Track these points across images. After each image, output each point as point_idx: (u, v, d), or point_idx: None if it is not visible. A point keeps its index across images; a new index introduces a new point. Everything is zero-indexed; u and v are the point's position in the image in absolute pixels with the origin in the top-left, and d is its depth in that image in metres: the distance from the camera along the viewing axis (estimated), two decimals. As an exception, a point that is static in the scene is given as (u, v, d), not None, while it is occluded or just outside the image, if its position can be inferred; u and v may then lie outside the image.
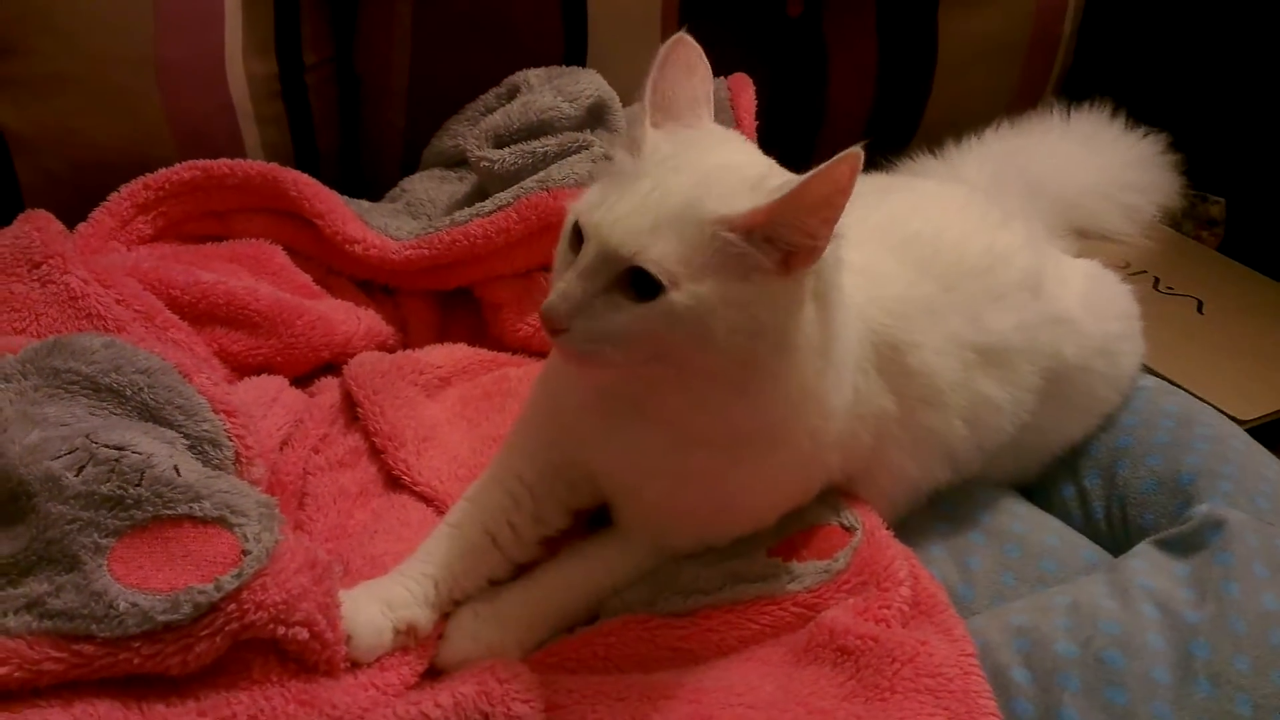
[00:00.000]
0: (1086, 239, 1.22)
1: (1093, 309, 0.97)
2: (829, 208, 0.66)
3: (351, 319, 1.03)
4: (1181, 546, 0.84)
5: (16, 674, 0.63)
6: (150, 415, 0.77)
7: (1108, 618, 0.78)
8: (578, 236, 0.70)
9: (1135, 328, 1.02)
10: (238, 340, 0.97)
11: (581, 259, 0.68)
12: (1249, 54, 1.42)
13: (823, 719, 0.71)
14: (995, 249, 0.90)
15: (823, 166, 0.64)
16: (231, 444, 0.79)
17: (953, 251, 0.89)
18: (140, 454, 0.70)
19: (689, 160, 0.70)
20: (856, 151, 0.63)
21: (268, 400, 0.93)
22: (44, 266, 0.90)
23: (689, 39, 0.74)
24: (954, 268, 0.88)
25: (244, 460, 0.80)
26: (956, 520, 0.93)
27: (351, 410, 0.95)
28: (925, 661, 0.74)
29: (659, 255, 0.66)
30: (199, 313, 0.97)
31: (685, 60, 0.74)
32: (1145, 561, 0.84)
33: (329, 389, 0.98)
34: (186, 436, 0.77)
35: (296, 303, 1.00)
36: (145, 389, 0.77)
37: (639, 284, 0.67)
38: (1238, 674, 0.75)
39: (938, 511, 0.93)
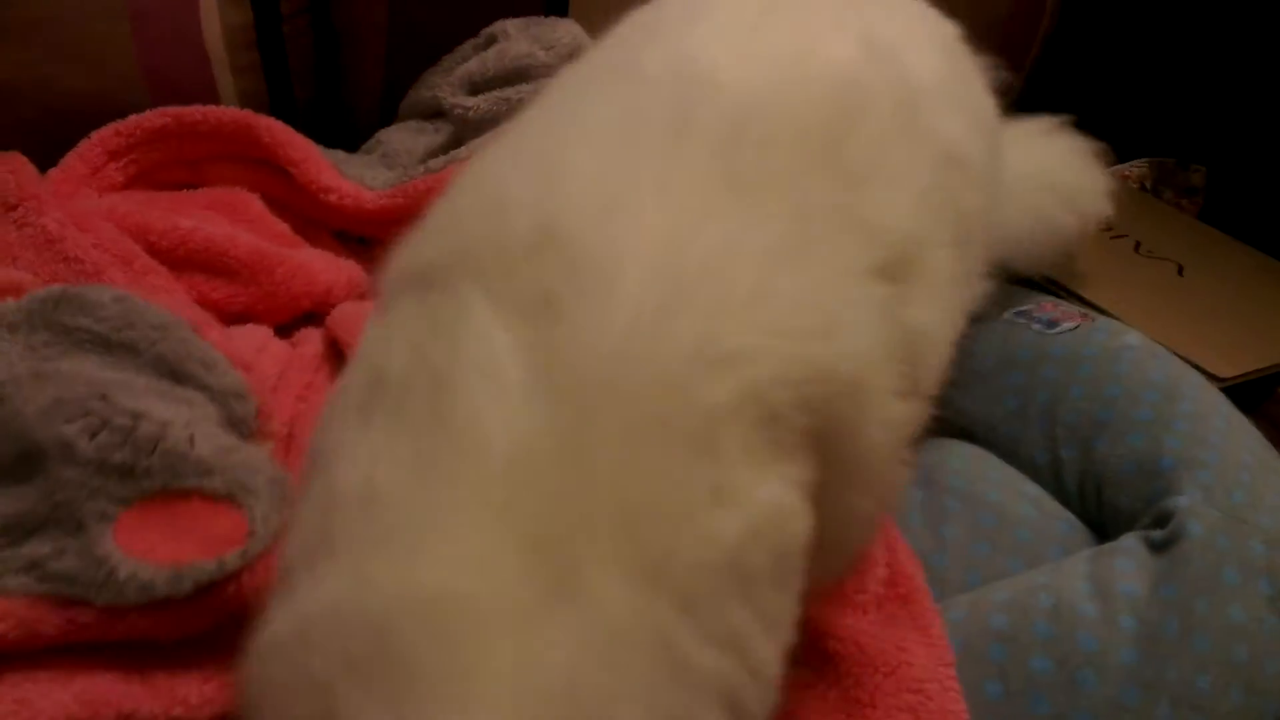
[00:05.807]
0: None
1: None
2: None
3: (332, 268, 1.01)
4: (1163, 548, 0.82)
5: (13, 634, 0.62)
6: (168, 370, 0.75)
7: (1086, 631, 0.77)
8: None
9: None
10: (217, 288, 0.95)
11: None
12: (1232, 24, 1.42)
13: None
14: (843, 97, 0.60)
15: None
16: (255, 399, 0.77)
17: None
18: (155, 423, 0.68)
19: None
20: None
21: (256, 349, 0.91)
22: (20, 209, 0.88)
23: None
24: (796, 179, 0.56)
25: (264, 414, 0.78)
26: (933, 486, 0.91)
27: (334, 360, 0.93)
28: (906, 673, 0.72)
29: None
30: (177, 259, 0.94)
31: None
32: (1132, 561, 0.81)
33: (311, 339, 0.96)
34: (209, 389, 0.75)
35: (276, 251, 0.98)
36: (160, 343, 0.75)
37: None
38: (1197, 693, 0.75)
39: (915, 476, 0.90)
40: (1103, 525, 0.90)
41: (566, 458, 0.46)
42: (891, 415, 0.58)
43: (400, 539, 0.45)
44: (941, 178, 0.65)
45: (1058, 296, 1.12)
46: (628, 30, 0.68)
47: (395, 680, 0.42)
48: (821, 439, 0.53)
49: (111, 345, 0.74)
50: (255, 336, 0.94)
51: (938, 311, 0.64)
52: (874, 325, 0.56)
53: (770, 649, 0.52)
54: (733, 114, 0.56)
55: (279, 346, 0.95)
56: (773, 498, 0.51)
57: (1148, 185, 1.42)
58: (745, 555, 0.49)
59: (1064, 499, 0.94)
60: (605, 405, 0.47)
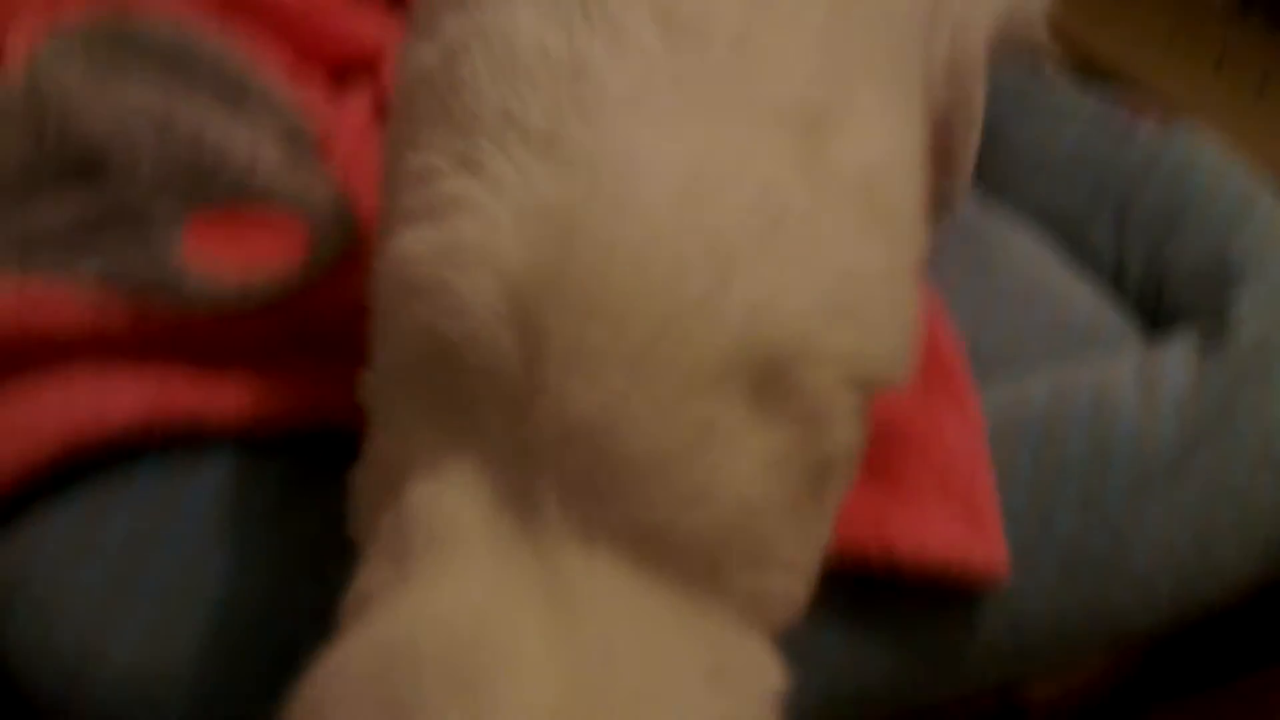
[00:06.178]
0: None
1: None
2: None
3: (383, 29, 0.98)
4: (1216, 343, 0.81)
5: (87, 321, 0.63)
6: (229, 92, 0.74)
7: (1128, 418, 0.76)
8: None
9: None
10: (267, 41, 0.91)
11: None
12: None
13: None
14: None
15: None
16: (312, 124, 0.77)
17: None
18: (218, 138, 0.68)
19: None
20: None
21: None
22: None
23: None
24: None
25: (323, 139, 0.77)
26: (990, 272, 0.90)
27: (382, 121, 0.91)
28: (937, 445, 0.72)
29: None
30: (226, 7, 0.90)
31: None
32: (1182, 353, 0.81)
33: (359, 98, 0.93)
34: (269, 111, 0.75)
35: (326, 5, 0.95)
36: (219, 66, 0.74)
37: None
38: (1230, 483, 0.74)
39: (972, 263, 0.89)
40: (1159, 325, 0.88)
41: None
42: (873, 256, 0.52)
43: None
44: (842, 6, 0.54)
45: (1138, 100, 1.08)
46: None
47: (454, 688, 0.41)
48: (835, 315, 0.48)
49: (171, 67, 0.73)
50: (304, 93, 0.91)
51: (881, 144, 0.54)
52: (782, 187, 0.48)
53: (798, 585, 0.50)
54: (565, 77, 0.47)
55: (327, 103, 0.92)
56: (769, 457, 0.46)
57: (1236, 2, 1.35)
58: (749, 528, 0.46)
59: (1124, 294, 0.92)
60: (549, 483, 0.44)
